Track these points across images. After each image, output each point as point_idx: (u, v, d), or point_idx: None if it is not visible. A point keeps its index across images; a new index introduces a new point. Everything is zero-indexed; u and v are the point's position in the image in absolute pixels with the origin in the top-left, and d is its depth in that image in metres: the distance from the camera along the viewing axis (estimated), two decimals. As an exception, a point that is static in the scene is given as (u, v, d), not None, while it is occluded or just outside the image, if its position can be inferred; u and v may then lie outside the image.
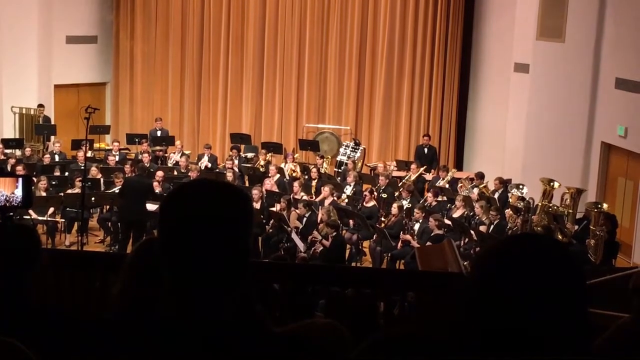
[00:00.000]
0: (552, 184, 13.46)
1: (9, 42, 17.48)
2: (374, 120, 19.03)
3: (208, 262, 1.64)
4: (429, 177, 16.29)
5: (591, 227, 12.07)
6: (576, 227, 12.93)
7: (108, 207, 13.97)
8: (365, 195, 13.97)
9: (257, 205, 13.05)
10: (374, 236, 12.84)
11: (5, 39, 17.48)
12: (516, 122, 16.58)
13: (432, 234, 12.20)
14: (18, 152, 16.55)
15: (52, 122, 18.00)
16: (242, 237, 1.69)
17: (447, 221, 12.93)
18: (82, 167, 13.76)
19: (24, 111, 17.84)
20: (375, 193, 14.25)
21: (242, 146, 17.89)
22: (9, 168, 14.30)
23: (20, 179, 4.00)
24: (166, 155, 17.47)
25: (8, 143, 16.72)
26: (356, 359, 1.64)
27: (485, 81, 18.45)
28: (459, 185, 15.20)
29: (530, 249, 1.53)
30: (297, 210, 13.24)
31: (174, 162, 16.59)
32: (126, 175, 14.07)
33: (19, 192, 3.92)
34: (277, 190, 14.25)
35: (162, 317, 1.67)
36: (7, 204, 3.86)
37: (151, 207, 13.30)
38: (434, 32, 18.57)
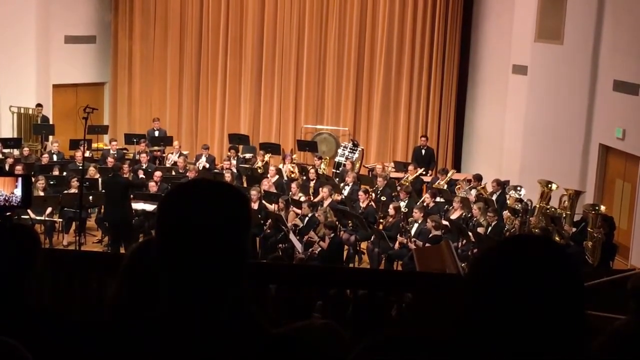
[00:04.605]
0: (549, 185, 13.47)
1: (7, 42, 17.47)
2: (372, 121, 19.04)
3: (206, 263, 1.64)
4: (427, 178, 16.30)
5: (589, 229, 12.07)
6: (574, 229, 12.93)
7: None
8: (360, 195, 13.98)
9: (255, 206, 13.07)
10: (372, 237, 12.85)
11: (4, 38, 17.46)
12: (514, 123, 16.59)
13: (429, 235, 12.21)
14: (16, 152, 16.54)
15: (51, 122, 17.99)
16: (240, 238, 1.69)
17: (444, 222, 12.94)
18: (80, 167, 13.76)
19: (22, 111, 17.83)
20: (373, 194, 14.25)
21: (240, 147, 17.89)
22: (6, 167, 14.30)
23: (19, 179, 3.99)
24: (164, 155, 17.47)
25: (6, 142, 16.70)
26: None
27: (483, 83, 18.46)
28: (457, 186, 15.21)
29: (527, 251, 1.53)
30: (300, 210, 13.29)
31: (172, 162, 16.59)
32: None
33: (18, 192, 3.92)
34: (274, 191, 14.26)
35: (159, 318, 1.67)
36: (7, 204, 3.86)
37: (145, 206, 13.32)
38: (433, 33, 18.58)
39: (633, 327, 2.98)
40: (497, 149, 17.34)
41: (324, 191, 13.94)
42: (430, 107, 18.81)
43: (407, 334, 1.61)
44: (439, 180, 15.58)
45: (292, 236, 12.37)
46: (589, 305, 1.54)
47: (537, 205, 13.34)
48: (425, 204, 13.84)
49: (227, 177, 14.68)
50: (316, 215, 12.91)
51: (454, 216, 13.43)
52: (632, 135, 13.78)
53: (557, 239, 12.12)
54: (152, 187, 14.07)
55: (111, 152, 16.53)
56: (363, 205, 13.80)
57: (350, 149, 17.76)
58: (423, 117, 18.80)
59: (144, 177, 15.03)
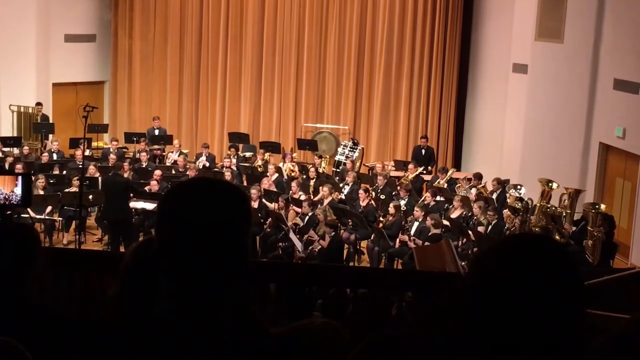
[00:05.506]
0: (550, 184, 13.47)
1: (7, 41, 17.47)
2: (373, 120, 19.04)
3: (206, 261, 1.64)
4: (427, 177, 16.30)
5: (589, 228, 12.07)
6: (574, 227, 12.93)
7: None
8: (360, 194, 13.99)
9: (255, 205, 13.07)
10: (372, 236, 12.85)
11: (4, 37, 17.47)
12: (514, 122, 16.58)
13: (429, 234, 12.21)
14: (16, 151, 16.54)
15: (50, 121, 17.99)
16: (240, 236, 1.69)
17: (445, 221, 12.94)
18: (80, 166, 13.76)
19: (22, 109, 17.83)
20: (373, 193, 14.26)
21: (240, 145, 17.89)
22: (6, 166, 14.30)
23: (19, 178, 4.00)
24: (164, 154, 17.47)
25: (6, 141, 16.70)
26: None
27: (483, 82, 18.45)
28: (457, 185, 15.21)
29: (528, 250, 1.53)
30: (300, 209, 13.30)
31: (172, 161, 16.58)
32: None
33: (18, 191, 3.92)
34: (274, 190, 14.26)
35: (159, 318, 1.67)
36: (7, 203, 3.86)
37: (145, 205, 13.32)
38: (433, 32, 18.58)
39: (634, 326, 2.97)
40: (497, 147, 17.34)
41: (324, 190, 13.94)
42: (430, 105, 18.80)
43: (407, 332, 1.61)
44: (439, 179, 15.58)
45: (292, 235, 12.37)
46: (589, 304, 1.54)
47: (538, 204, 13.34)
48: (425, 202, 13.84)
49: (227, 175, 14.67)
50: (316, 213, 12.92)
51: (454, 215, 13.43)
52: (633, 134, 13.77)
53: (557, 237, 12.11)
54: (153, 185, 14.05)
55: (111, 150, 16.53)
56: (363, 204, 13.81)
57: (350, 147, 17.75)
58: (423, 116, 18.80)
59: (144, 187, 14.66)
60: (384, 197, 14.03)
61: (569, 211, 13.15)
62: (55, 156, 16.24)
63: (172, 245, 1.66)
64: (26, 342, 1.87)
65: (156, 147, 17.56)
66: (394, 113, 18.93)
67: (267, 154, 16.75)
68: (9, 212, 3.93)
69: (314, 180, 15.10)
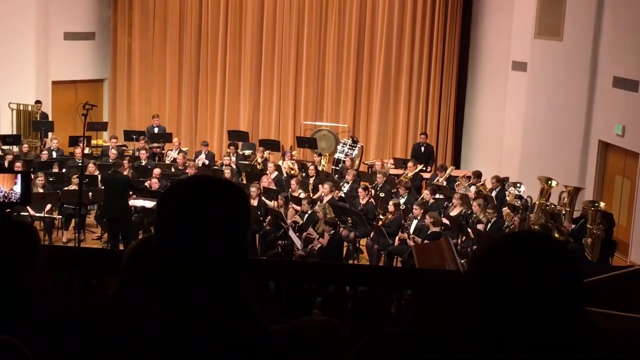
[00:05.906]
0: (549, 182, 13.46)
1: (6, 38, 17.47)
2: (372, 118, 19.04)
3: (205, 259, 1.64)
4: (427, 175, 16.30)
5: (588, 226, 12.06)
6: (573, 225, 12.92)
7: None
8: (360, 192, 13.99)
9: (254, 203, 13.08)
10: (371, 234, 12.86)
11: (3, 35, 17.46)
12: (514, 120, 16.58)
13: (429, 232, 12.21)
14: (15, 149, 16.54)
15: (50, 119, 17.98)
16: (240, 234, 1.69)
17: (444, 219, 12.94)
18: (80, 164, 13.76)
19: (21, 107, 17.82)
20: (372, 191, 14.26)
21: (240, 143, 17.89)
22: (6, 164, 14.29)
23: (19, 176, 4.00)
24: (163, 152, 17.46)
25: (5, 139, 16.69)
26: (354, 358, 1.64)
27: (483, 79, 18.45)
28: (456, 183, 15.20)
29: (528, 247, 1.53)
30: (299, 207, 13.30)
31: (172, 159, 16.58)
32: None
33: (17, 189, 3.92)
34: (274, 188, 14.27)
35: (159, 316, 1.67)
36: (6, 201, 3.86)
37: (144, 203, 13.32)
38: (432, 29, 18.58)
39: None
40: (496, 145, 17.34)
41: (324, 187, 13.93)
42: (429, 103, 18.80)
43: (407, 331, 1.61)
44: (438, 177, 15.57)
45: (291, 233, 12.38)
46: (588, 302, 1.54)
47: (537, 202, 13.32)
48: (424, 200, 13.84)
49: (227, 173, 14.66)
50: (315, 211, 12.93)
51: (453, 213, 13.42)
52: (632, 132, 13.77)
53: (556, 235, 12.10)
54: (154, 183, 14.04)
55: (111, 148, 16.52)
56: (362, 202, 13.82)
57: (349, 145, 17.75)
58: (422, 114, 18.80)
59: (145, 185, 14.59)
60: (384, 195, 14.02)
61: (568, 209, 13.13)
62: (54, 154, 16.23)
63: (172, 243, 1.66)
64: (26, 341, 1.87)
65: (155, 145, 17.56)
66: (393, 111, 18.94)
67: (266, 152, 16.75)
68: (8, 210, 3.93)
69: (313, 178, 15.11)
